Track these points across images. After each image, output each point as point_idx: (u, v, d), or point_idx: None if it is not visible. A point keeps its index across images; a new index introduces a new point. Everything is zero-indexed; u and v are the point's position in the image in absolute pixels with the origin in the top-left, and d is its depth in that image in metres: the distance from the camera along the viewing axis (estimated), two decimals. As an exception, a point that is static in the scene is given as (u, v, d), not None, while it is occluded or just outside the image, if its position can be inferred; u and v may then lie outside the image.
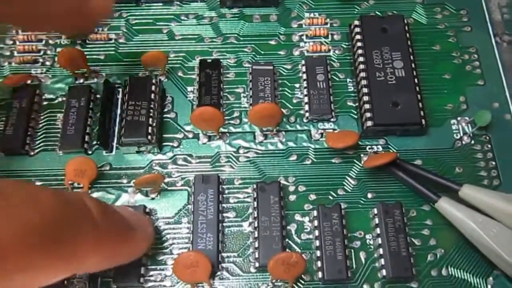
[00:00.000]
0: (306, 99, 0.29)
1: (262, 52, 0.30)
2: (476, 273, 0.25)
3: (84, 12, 0.25)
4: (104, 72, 0.30)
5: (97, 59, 0.30)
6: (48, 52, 0.31)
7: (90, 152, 0.28)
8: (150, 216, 0.26)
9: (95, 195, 0.27)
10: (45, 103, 0.29)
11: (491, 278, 0.25)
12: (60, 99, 0.29)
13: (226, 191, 0.27)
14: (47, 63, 0.30)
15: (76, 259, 0.19)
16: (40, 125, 0.28)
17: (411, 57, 0.28)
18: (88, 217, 0.20)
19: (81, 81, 0.30)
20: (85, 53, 0.29)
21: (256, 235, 0.25)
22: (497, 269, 0.24)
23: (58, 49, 0.30)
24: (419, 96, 0.27)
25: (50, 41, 0.31)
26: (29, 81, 0.29)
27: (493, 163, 0.27)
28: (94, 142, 0.28)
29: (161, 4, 0.32)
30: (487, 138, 0.28)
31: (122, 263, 0.23)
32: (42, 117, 0.29)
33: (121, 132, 0.27)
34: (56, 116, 0.28)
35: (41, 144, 0.28)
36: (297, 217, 0.26)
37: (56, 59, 0.30)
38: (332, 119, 0.28)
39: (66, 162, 0.26)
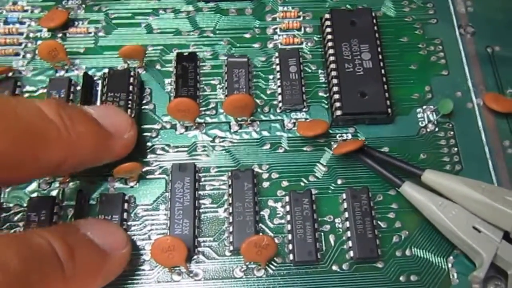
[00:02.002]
0: (279, 90, 0.29)
1: (238, 45, 0.31)
2: (437, 253, 0.26)
3: (107, 157, 0.25)
4: (84, 65, 0.30)
5: (77, 52, 0.30)
6: (29, 45, 0.31)
7: (70, 143, 0.28)
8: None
9: (75, 184, 0.27)
10: (26, 95, 0.29)
11: (451, 257, 0.25)
12: (41, 91, 0.29)
13: (203, 179, 0.27)
14: (28, 55, 0.30)
15: None
16: (22, 117, 0.28)
17: (379, 49, 0.29)
18: (55, 264, 0.20)
19: (62, 73, 0.30)
20: (66, 46, 0.29)
21: (231, 220, 0.25)
22: (457, 249, 0.25)
23: (39, 42, 0.30)
24: (386, 86, 0.28)
25: (31, 34, 0.31)
26: (10, 74, 0.29)
27: (456, 149, 0.28)
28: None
29: (139, -2, 0.32)
30: (450, 125, 0.29)
31: None
32: (23, 109, 0.29)
33: (100, 123, 0.27)
34: (37, 108, 0.29)
35: (23, 135, 0.28)
36: (270, 203, 0.27)
37: (37, 52, 0.30)
38: (304, 109, 0.29)
39: (47, 152, 0.26)
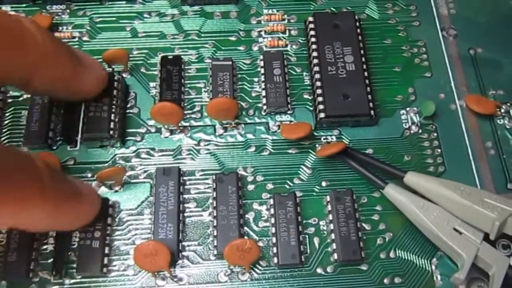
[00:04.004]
0: (263, 93, 0.29)
1: (223, 48, 0.30)
2: (421, 255, 0.25)
3: (80, 84, 0.25)
4: (69, 70, 0.29)
5: (61, 56, 0.30)
6: (13, 50, 0.30)
7: (54, 148, 0.27)
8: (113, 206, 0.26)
9: (59, 189, 0.26)
10: (10, 100, 0.28)
11: (434, 259, 0.25)
12: (25, 96, 0.28)
13: (187, 183, 0.27)
14: (12, 61, 0.30)
15: (23, 205, 0.19)
16: (5, 122, 0.28)
17: (362, 51, 0.28)
18: (35, 170, 0.20)
19: (46, 78, 0.29)
20: (50, 51, 0.29)
21: (215, 224, 0.25)
22: (440, 250, 0.25)
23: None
24: (369, 88, 0.27)
25: (15, 40, 0.30)
26: (-6, 79, 0.29)
27: (439, 150, 0.28)
28: (58, 138, 0.27)
29: (124, 2, 0.31)
30: (434, 127, 0.28)
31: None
32: (7, 114, 0.28)
33: (83, 127, 0.27)
34: (21, 113, 0.28)
35: (6, 140, 0.27)
36: (255, 205, 0.26)
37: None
38: (289, 112, 0.29)
39: (30, 157, 0.26)
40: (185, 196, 0.26)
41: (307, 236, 0.26)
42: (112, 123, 0.27)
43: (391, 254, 0.25)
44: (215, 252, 0.25)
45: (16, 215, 0.19)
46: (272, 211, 0.26)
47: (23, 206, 0.19)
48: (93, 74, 0.26)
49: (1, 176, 0.18)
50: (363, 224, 0.26)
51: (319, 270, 0.25)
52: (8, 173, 0.19)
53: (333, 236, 0.25)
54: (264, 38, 0.31)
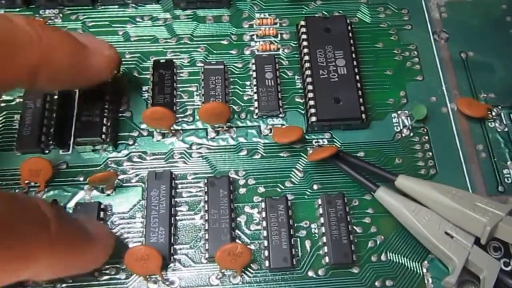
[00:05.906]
0: (255, 96, 0.28)
1: (215, 52, 0.30)
2: (412, 258, 0.25)
3: (89, 72, 0.24)
4: (61, 74, 0.29)
5: (54, 60, 0.30)
6: (6, 54, 0.30)
7: (47, 152, 0.27)
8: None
9: (51, 193, 0.26)
10: (3, 104, 0.28)
11: (426, 262, 0.25)
12: (17, 100, 0.28)
13: (179, 186, 0.27)
14: (5, 65, 0.29)
15: (28, 260, 0.18)
16: (-2, 126, 0.28)
17: (353, 55, 0.28)
18: (42, 219, 0.19)
19: (38, 82, 0.29)
20: (42, 55, 0.29)
21: (207, 228, 0.25)
22: (432, 253, 0.25)
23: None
24: (360, 92, 0.27)
25: (8, 44, 0.30)
26: (-14, 83, 0.29)
27: (430, 153, 0.27)
28: (50, 142, 0.27)
29: (117, 6, 0.31)
30: (425, 130, 0.28)
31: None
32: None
33: (76, 131, 0.26)
34: (13, 117, 0.28)
35: (-1, 144, 0.27)
36: (247, 209, 0.26)
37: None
38: (280, 115, 0.28)
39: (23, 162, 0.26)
40: (177, 199, 0.26)
41: (298, 239, 0.25)
42: (104, 127, 0.26)
43: (383, 257, 0.25)
44: (207, 256, 0.24)
45: (21, 271, 0.18)
46: (263, 214, 0.25)
47: (30, 260, 0.18)
48: (100, 56, 0.24)
49: (7, 229, 0.17)
50: (355, 227, 0.26)
51: (310, 273, 0.25)
52: (13, 226, 0.17)
53: (324, 239, 0.25)
54: (256, 42, 0.31)
